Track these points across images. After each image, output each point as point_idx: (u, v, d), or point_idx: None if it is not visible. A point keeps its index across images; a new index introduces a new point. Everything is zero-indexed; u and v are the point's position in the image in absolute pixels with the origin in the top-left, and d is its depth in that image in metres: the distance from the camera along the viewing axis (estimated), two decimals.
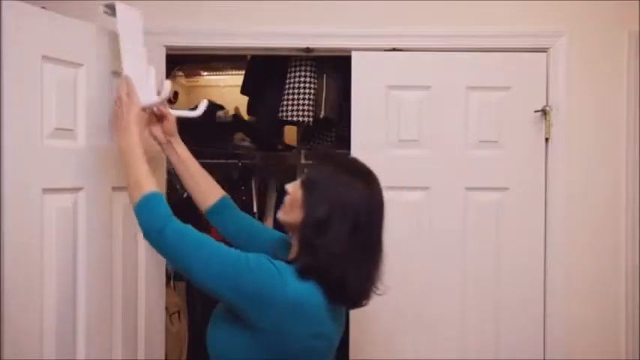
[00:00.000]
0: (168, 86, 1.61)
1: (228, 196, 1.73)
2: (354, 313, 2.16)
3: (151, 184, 1.38)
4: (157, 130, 1.68)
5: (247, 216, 1.75)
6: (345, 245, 1.29)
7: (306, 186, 1.36)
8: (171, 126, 1.69)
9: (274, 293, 1.26)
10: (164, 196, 1.40)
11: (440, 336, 2.19)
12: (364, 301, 1.38)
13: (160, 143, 1.70)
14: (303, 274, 1.30)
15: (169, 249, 1.32)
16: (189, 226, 1.33)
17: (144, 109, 1.54)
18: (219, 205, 1.69)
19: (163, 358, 2.05)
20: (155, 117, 1.67)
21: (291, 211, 1.38)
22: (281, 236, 1.62)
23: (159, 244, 1.32)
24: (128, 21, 1.65)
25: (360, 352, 2.18)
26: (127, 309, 1.82)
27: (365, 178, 1.37)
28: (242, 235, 1.65)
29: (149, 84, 1.63)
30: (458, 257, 2.19)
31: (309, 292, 1.29)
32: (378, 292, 1.39)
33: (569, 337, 2.17)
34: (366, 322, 2.18)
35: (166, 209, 1.36)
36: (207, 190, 1.71)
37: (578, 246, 2.18)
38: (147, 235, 1.34)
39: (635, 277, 2.16)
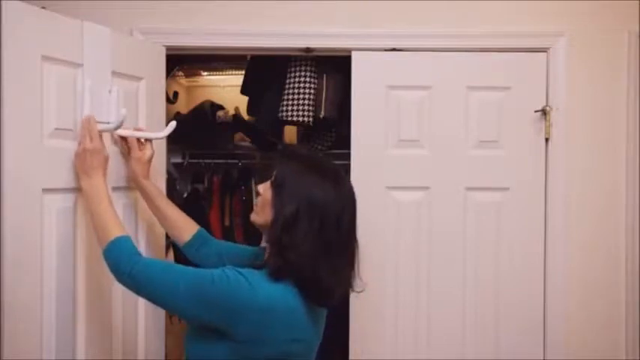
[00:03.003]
0: (126, 133, 1.69)
1: (202, 229, 1.75)
2: (353, 313, 2.16)
3: (117, 227, 1.43)
4: (128, 170, 1.72)
5: (224, 242, 1.78)
6: (314, 244, 1.29)
7: (275, 185, 1.37)
8: (144, 167, 1.72)
9: (244, 302, 1.26)
10: (130, 238, 1.43)
11: (440, 336, 2.19)
12: (338, 300, 1.38)
13: (132, 181, 1.74)
14: (275, 275, 1.30)
15: (141, 286, 1.35)
16: (156, 259, 1.35)
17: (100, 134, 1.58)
18: (196, 239, 1.72)
19: (163, 358, 2.05)
20: (128, 154, 1.72)
21: (262, 212, 1.40)
22: (260, 248, 1.63)
23: (130, 284, 1.36)
24: (93, 43, 1.67)
25: (358, 352, 2.18)
26: (126, 309, 1.82)
27: (333, 176, 1.37)
28: (223, 261, 1.64)
29: (110, 107, 1.68)
30: (458, 257, 2.19)
31: (281, 296, 1.29)
32: (356, 289, 1.40)
33: (569, 337, 2.17)
34: (365, 321, 2.18)
35: (132, 250, 1.39)
36: (181, 226, 1.74)
37: (578, 246, 2.18)
38: (118, 279, 1.38)
39: (635, 277, 2.16)
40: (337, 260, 1.33)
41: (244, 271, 1.31)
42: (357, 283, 1.41)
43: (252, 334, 1.26)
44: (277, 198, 1.34)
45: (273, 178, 1.40)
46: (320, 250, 1.30)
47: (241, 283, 1.27)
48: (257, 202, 1.44)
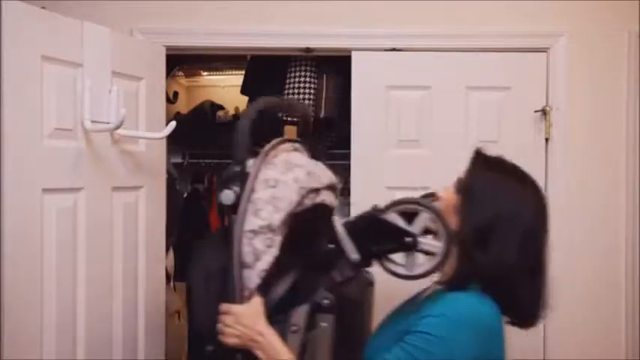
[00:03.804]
0: None
1: None
2: None
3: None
4: None
5: None
6: (515, 259, 1.20)
7: (467, 190, 1.27)
8: None
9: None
10: None
11: None
12: (537, 322, 1.29)
13: None
14: (462, 282, 1.20)
15: None
16: None
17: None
18: None
19: (163, 358, 2.05)
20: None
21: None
22: None
23: None
24: (93, 43, 1.67)
25: None
26: (126, 309, 1.82)
27: (532, 187, 1.30)
28: None
29: (110, 107, 1.67)
30: None
31: (495, 313, 1.19)
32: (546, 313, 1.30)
33: (569, 337, 2.17)
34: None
35: None
36: None
37: (578, 245, 2.18)
38: None
39: (635, 277, 2.16)
40: (537, 279, 1.25)
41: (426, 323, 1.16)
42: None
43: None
44: (469, 205, 1.23)
45: (462, 182, 1.30)
46: (521, 267, 1.21)
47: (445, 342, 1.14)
48: (439, 207, 1.29)
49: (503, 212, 1.22)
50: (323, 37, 2.21)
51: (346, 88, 2.30)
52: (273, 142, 1.35)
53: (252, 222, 1.22)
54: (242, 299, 1.23)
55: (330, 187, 1.39)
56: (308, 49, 2.25)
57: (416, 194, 2.17)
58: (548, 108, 2.17)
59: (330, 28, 2.20)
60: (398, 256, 1.31)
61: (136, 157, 1.87)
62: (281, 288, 1.26)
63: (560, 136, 2.17)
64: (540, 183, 2.14)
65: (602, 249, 2.19)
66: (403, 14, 2.20)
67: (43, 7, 1.57)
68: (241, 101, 3.00)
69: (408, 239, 1.22)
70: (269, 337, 1.20)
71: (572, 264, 2.18)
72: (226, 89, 3.40)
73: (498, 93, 2.20)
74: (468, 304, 1.18)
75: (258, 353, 1.20)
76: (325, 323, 1.23)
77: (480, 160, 1.35)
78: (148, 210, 1.89)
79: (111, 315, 1.77)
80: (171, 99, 3.10)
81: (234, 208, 1.23)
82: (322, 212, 1.32)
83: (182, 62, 3.16)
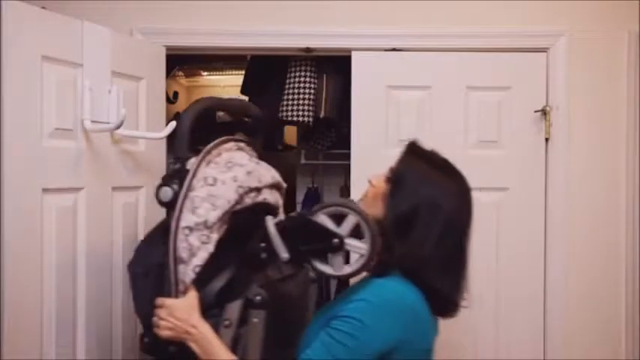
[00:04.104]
0: None
1: None
2: None
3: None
4: None
5: None
6: (433, 250, 1.22)
7: (394, 179, 1.29)
8: None
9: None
10: None
11: (439, 335, 2.18)
12: (457, 311, 1.31)
13: None
14: (381, 270, 1.23)
15: None
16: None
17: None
18: None
19: None
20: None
21: (374, 206, 1.30)
22: None
23: None
24: (93, 43, 1.67)
25: None
26: (126, 309, 1.82)
27: (459, 180, 1.31)
28: None
29: (110, 107, 1.67)
30: None
31: (419, 299, 1.21)
32: (464, 303, 1.31)
33: (569, 337, 2.17)
34: None
35: None
36: None
37: (578, 245, 2.18)
38: None
39: (635, 276, 2.16)
40: (456, 268, 1.26)
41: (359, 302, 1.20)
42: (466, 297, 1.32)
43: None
44: (394, 193, 1.27)
45: (390, 171, 1.33)
46: (440, 255, 1.23)
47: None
48: (367, 192, 1.35)
49: (425, 202, 1.25)
50: (323, 37, 2.21)
51: (346, 88, 2.30)
52: (216, 141, 1.39)
53: (188, 219, 1.26)
54: (177, 293, 1.27)
55: (275, 187, 1.43)
56: (308, 49, 2.25)
57: None
58: (548, 108, 2.17)
59: (330, 28, 2.20)
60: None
61: (136, 157, 1.87)
62: (217, 283, 1.30)
63: (560, 136, 2.17)
64: (540, 183, 2.19)
65: (602, 249, 2.19)
66: (403, 14, 2.20)
67: (43, 7, 1.57)
68: None
69: (335, 241, 1.25)
70: (202, 329, 1.24)
71: (572, 264, 2.18)
72: (226, 89, 3.40)
73: (498, 93, 2.20)
74: (391, 289, 1.22)
75: (192, 345, 1.24)
76: (256, 319, 1.27)
77: (412, 152, 1.39)
78: (147, 210, 1.89)
79: (111, 315, 1.77)
80: (171, 99, 3.10)
81: (171, 204, 1.27)
82: (262, 211, 1.36)
83: (182, 62, 3.16)
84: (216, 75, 3.43)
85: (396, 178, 1.29)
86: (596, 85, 2.19)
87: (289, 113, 2.57)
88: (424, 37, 2.20)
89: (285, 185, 1.50)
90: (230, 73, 3.32)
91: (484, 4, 2.20)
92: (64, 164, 1.59)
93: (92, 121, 1.65)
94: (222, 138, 1.42)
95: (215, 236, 1.28)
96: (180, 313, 1.24)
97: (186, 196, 1.27)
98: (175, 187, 1.27)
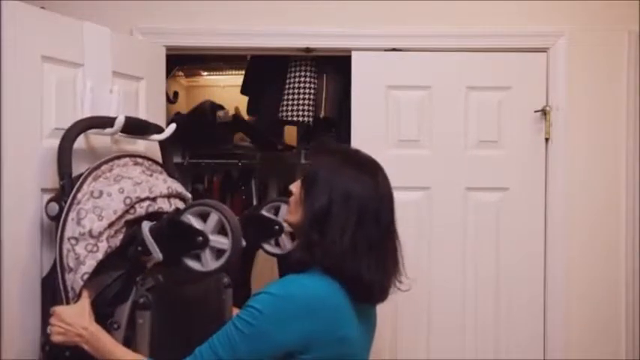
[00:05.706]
0: None
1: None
2: None
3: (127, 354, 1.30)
4: None
5: None
6: (352, 239, 1.24)
7: (306, 182, 1.32)
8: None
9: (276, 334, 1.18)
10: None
11: (439, 336, 2.19)
12: (384, 297, 1.32)
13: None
14: (299, 267, 1.26)
15: None
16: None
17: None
18: None
19: None
20: None
21: (295, 211, 1.33)
22: None
23: None
24: (93, 43, 1.67)
25: None
26: None
27: (370, 169, 1.33)
28: None
29: (110, 107, 1.68)
30: (458, 257, 2.19)
31: (325, 293, 1.23)
32: (401, 287, 1.33)
33: (569, 337, 2.17)
34: None
35: None
36: None
37: (578, 246, 2.18)
38: None
39: (635, 277, 2.16)
40: (378, 255, 1.27)
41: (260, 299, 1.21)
42: (404, 281, 1.34)
43: (304, 339, 1.19)
44: (308, 194, 1.29)
45: (304, 173, 1.35)
46: (359, 245, 1.24)
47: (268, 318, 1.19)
48: (290, 202, 1.37)
49: (337, 196, 1.26)
50: (323, 37, 2.21)
51: (346, 88, 2.30)
52: (108, 157, 1.51)
53: (73, 229, 1.35)
54: (68, 300, 1.36)
55: (175, 197, 1.56)
56: (308, 49, 2.25)
57: (416, 194, 2.20)
58: (548, 108, 2.17)
59: (330, 28, 2.20)
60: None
61: None
62: (113, 289, 1.38)
63: (560, 136, 2.17)
64: (540, 183, 2.19)
65: (602, 249, 2.19)
66: (403, 14, 2.20)
67: (43, 7, 1.57)
68: (241, 101, 3.00)
69: (199, 238, 1.31)
70: (93, 330, 1.31)
71: (572, 264, 2.18)
72: (226, 89, 3.40)
73: (498, 93, 2.20)
74: (299, 284, 1.23)
75: (85, 347, 1.30)
76: (142, 320, 1.35)
77: (322, 150, 1.42)
78: None
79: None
80: (172, 99, 3.09)
81: (58, 218, 1.37)
82: (156, 220, 1.42)
83: (182, 62, 3.16)
84: (216, 75, 3.43)
85: (309, 178, 1.32)
86: (596, 85, 2.19)
87: (289, 113, 2.56)
88: (424, 37, 2.20)
89: (189, 196, 1.62)
90: (230, 73, 3.32)
91: (484, 4, 2.20)
92: None
93: None
94: (116, 154, 1.54)
95: (104, 245, 1.36)
96: (70, 318, 1.31)
97: (69, 209, 1.37)
98: (63, 203, 1.38)
